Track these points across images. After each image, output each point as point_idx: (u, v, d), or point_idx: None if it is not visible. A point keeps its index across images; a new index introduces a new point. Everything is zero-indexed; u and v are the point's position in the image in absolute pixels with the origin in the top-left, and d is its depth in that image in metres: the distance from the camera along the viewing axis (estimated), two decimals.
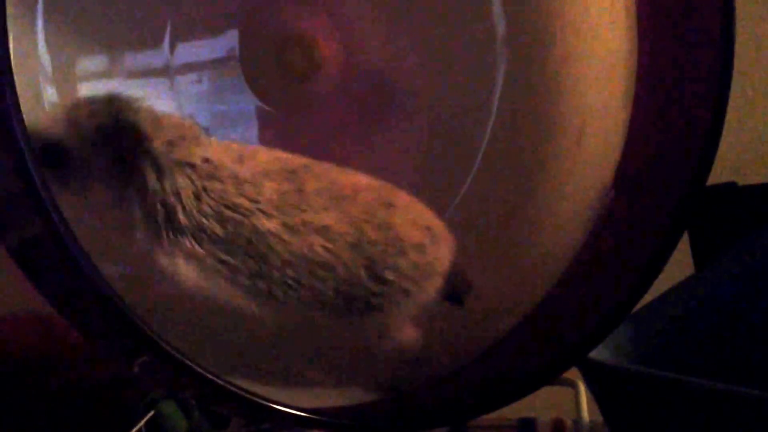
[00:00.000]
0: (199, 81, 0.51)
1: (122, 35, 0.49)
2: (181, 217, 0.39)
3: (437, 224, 0.47)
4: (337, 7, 0.53)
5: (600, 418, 0.47)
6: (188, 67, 0.51)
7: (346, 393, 0.45)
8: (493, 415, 0.45)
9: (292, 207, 0.42)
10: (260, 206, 0.41)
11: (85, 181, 0.39)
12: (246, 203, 0.41)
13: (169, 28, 0.50)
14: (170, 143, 0.40)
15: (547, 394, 0.46)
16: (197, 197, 0.40)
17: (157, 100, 0.50)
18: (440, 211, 0.54)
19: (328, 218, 0.42)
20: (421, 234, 0.45)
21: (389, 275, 0.44)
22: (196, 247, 0.40)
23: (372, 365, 0.47)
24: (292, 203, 0.42)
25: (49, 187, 0.32)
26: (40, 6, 0.45)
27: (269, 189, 0.41)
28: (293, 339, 0.45)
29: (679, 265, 0.48)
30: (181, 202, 0.39)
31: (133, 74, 0.50)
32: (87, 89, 0.48)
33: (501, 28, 0.54)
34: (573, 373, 0.47)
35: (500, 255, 0.53)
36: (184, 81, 0.51)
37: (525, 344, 0.48)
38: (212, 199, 0.40)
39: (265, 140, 0.52)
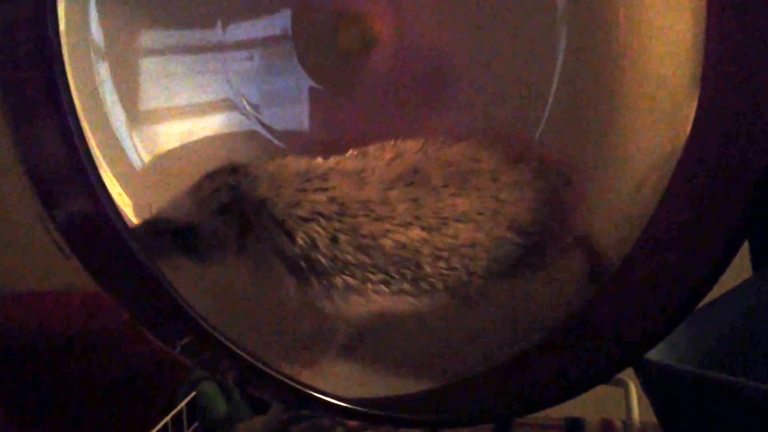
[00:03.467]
0: (252, 58, 0.51)
1: (176, 12, 0.49)
2: (324, 263, 0.40)
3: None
4: None
5: (651, 420, 0.46)
6: (241, 45, 0.50)
7: (394, 383, 0.45)
8: (540, 414, 0.44)
9: (427, 210, 0.42)
10: (396, 221, 0.41)
11: (220, 255, 0.40)
12: (381, 226, 0.41)
13: (222, 6, 0.49)
14: (292, 202, 0.40)
15: (595, 393, 0.44)
16: (334, 240, 0.40)
17: (208, 76, 0.50)
18: None
19: (463, 205, 0.43)
20: (553, 180, 0.46)
21: (534, 228, 0.44)
22: (350, 280, 0.41)
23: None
24: (426, 206, 0.42)
25: (94, 164, 0.32)
26: None
27: (399, 202, 0.42)
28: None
29: (738, 268, 0.46)
30: (319, 251, 0.40)
31: (187, 50, 0.50)
32: (138, 65, 0.48)
33: (561, 4, 0.52)
34: (624, 373, 0.46)
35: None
36: (237, 58, 0.50)
37: (580, 342, 0.47)
38: (348, 235, 0.40)
39: (316, 119, 0.52)
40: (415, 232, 0.41)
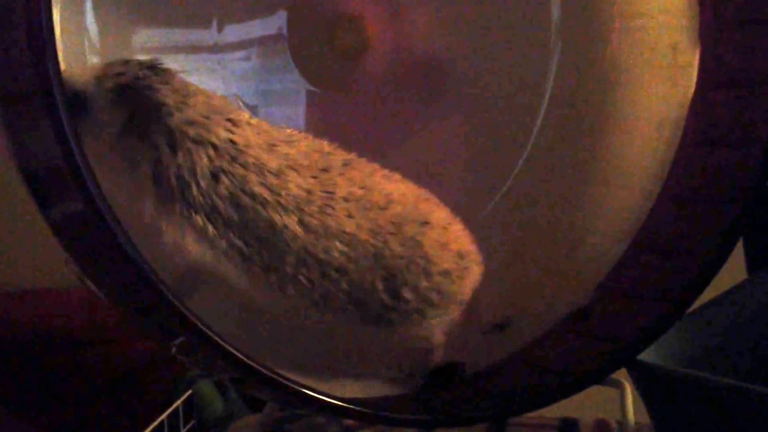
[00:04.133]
0: (248, 59, 0.51)
1: (171, 12, 0.49)
2: (194, 193, 0.39)
3: (471, 251, 0.45)
4: None
5: (645, 420, 0.45)
6: (237, 45, 0.50)
7: (382, 385, 0.45)
8: (535, 414, 0.44)
9: (315, 207, 0.41)
10: (280, 199, 0.40)
11: (102, 135, 0.38)
12: (266, 194, 0.40)
13: (217, 7, 0.49)
14: (192, 121, 0.39)
15: (591, 393, 0.44)
16: (215, 178, 0.39)
17: (203, 75, 0.49)
18: (485, 202, 0.52)
19: (350, 225, 0.41)
20: (451, 260, 0.44)
21: (406, 293, 0.43)
22: (209, 226, 0.39)
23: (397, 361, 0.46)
24: (316, 204, 0.41)
25: (89, 164, 0.32)
26: None
27: (294, 184, 0.40)
28: (314, 334, 0.44)
29: (732, 270, 0.46)
30: (195, 179, 0.39)
31: (181, 50, 0.50)
32: None
33: (556, 15, 0.52)
34: (619, 373, 0.45)
35: (544, 252, 0.52)
36: (232, 58, 0.50)
37: (574, 343, 0.47)
38: (231, 182, 0.39)
39: (310, 120, 0.52)
40: (291, 221, 0.40)
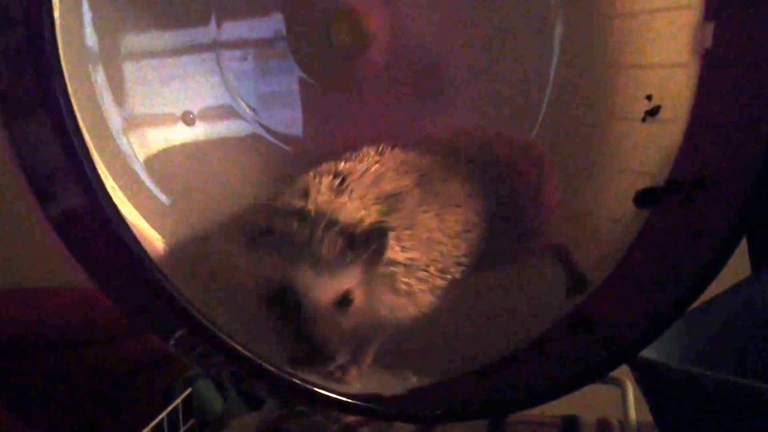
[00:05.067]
0: (245, 58, 0.51)
1: (170, 10, 0.49)
2: (401, 262, 0.42)
3: None
4: None
5: (646, 419, 0.45)
6: (235, 44, 0.50)
7: (391, 379, 0.45)
8: (536, 411, 0.44)
9: (430, 194, 0.44)
10: (421, 208, 0.43)
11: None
12: (412, 215, 0.43)
13: (214, 10, 0.49)
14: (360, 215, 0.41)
15: (592, 392, 0.44)
16: (397, 238, 0.42)
17: (203, 76, 0.49)
18: None
19: (452, 188, 0.45)
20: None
21: (514, 213, 0.48)
22: (407, 282, 0.42)
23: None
24: (428, 190, 0.44)
25: (90, 158, 0.32)
26: None
27: (412, 187, 0.44)
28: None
29: (736, 267, 0.46)
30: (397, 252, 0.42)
31: (181, 51, 0.49)
32: (134, 68, 0.48)
33: (555, 1, 0.52)
34: (620, 372, 0.45)
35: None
36: (231, 57, 0.50)
37: (574, 340, 0.47)
38: (399, 231, 0.42)
39: (316, 119, 0.52)
40: (430, 218, 0.43)
